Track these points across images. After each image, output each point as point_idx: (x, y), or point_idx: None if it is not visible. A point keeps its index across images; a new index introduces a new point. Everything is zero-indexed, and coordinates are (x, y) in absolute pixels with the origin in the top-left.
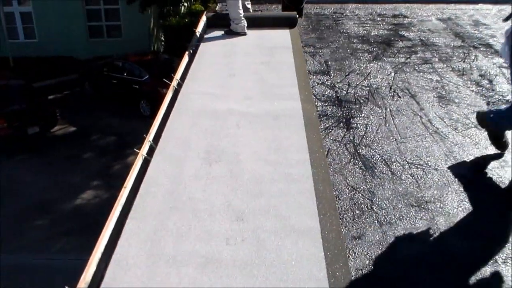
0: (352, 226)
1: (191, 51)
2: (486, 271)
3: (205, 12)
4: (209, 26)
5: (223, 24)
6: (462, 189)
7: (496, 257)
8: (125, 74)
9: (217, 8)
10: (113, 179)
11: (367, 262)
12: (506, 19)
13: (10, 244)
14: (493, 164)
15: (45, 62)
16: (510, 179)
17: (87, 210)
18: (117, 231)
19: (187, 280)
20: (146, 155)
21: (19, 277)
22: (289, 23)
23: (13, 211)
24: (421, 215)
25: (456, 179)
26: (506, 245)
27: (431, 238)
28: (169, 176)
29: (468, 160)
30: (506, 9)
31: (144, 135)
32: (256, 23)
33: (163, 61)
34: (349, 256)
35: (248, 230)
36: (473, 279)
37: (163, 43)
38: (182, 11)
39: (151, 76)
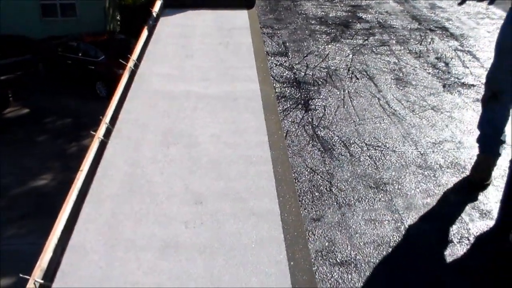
0: (312, 208)
1: (147, 31)
2: (442, 250)
3: None
4: (166, 6)
5: (180, 4)
6: (419, 170)
7: (452, 237)
8: (80, 54)
9: None
10: (69, 161)
11: (326, 244)
12: (460, 3)
13: None
14: (449, 145)
15: None
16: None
17: (43, 193)
18: (74, 216)
19: (146, 264)
20: (102, 138)
21: None
22: (247, 4)
23: None
24: (380, 196)
25: (413, 160)
26: (461, 225)
27: (389, 219)
28: (126, 159)
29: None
30: None
31: (101, 117)
32: (213, 3)
33: (119, 41)
34: (308, 238)
35: (207, 213)
36: (429, 259)
37: (119, 23)
38: None
39: (107, 56)
